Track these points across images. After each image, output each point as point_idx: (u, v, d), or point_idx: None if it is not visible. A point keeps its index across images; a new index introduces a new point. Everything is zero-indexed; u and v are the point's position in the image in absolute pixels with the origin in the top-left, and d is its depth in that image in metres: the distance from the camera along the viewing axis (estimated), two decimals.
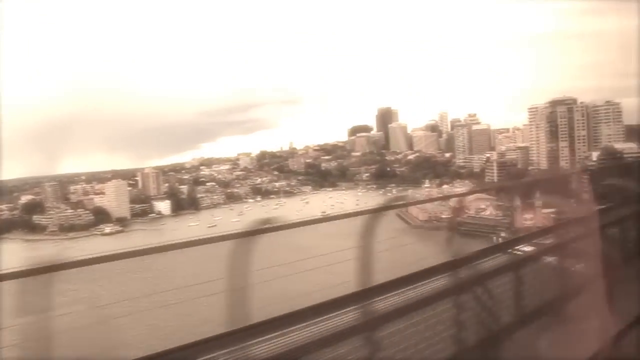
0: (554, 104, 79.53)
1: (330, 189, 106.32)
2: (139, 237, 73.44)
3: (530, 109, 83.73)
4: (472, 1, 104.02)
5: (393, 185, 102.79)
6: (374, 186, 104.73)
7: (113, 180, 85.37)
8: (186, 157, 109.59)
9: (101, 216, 79.60)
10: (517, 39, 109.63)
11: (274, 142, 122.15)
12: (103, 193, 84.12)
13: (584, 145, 76.95)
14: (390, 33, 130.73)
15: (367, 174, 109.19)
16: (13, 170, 78.09)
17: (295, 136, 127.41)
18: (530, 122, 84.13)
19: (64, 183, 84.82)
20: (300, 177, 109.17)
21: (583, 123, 77.30)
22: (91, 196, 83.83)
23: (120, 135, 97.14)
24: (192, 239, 4.58)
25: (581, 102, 78.53)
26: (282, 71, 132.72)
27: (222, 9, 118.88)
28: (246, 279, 4.61)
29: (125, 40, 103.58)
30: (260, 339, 4.60)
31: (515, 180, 75.38)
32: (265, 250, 4.96)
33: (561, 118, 78.10)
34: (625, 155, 68.48)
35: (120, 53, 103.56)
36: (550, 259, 7.66)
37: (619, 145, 72.06)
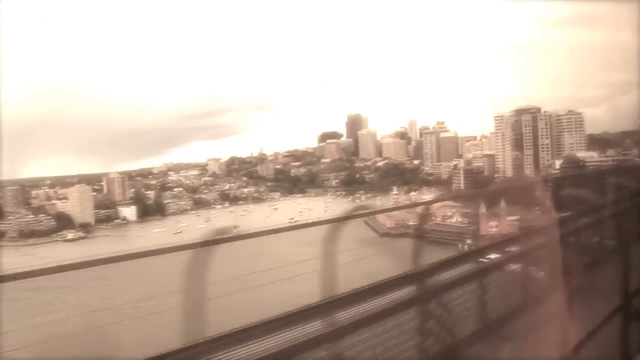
0: (519, 112, 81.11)
1: (300, 195, 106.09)
2: (102, 244, 72.05)
3: (496, 117, 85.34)
4: (445, 9, 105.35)
5: (362, 192, 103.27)
6: (343, 193, 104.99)
7: (77, 185, 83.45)
8: (156, 162, 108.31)
9: (63, 222, 77.65)
10: (488, 48, 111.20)
11: (245, 147, 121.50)
12: (66, 198, 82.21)
13: (547, 154, 78.57)
14: (361, 39, 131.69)
15: (336, 181, 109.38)
16: None
17: (266, 142, 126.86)
18: (496, 130, 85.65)
19: (26, 188, 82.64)
20: (269, 183, 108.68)
21: (547, 132, 78.98)
22: (54, 201, 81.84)
23: (90, 139, 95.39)
24: (153, 248, 4.37)
25: (545, 111, 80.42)
26: (253, 77, 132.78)
27: (192, 15, 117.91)
28: (203, 291, 4.49)
29: (96, 44, 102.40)
30: (223, 351, 4.41)
31: (480, 188, 76.62)
32: (224, 260, 4.84)
33: (526, 127, 79.69)
34: (586, 164, 70.14)
35: (90, 57, 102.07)
36: (514, 267, 7.68)
37: (581, 154, 73.83)
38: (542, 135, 79.06)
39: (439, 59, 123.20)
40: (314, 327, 4.93)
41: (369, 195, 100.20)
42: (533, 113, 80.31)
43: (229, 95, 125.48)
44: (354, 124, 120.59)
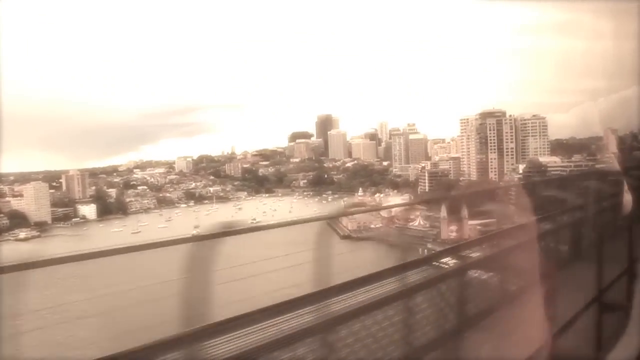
0: (484, 115, 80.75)
1: (266, 195, 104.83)
2: (56, 243, 69.80)
3: (462, 120, 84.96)
4: (422, 10, 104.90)
5: (329, 192, 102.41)
6: (311, 193, 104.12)
7: (32, 182, 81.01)
8: (125, 159, 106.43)
9: (17, 220, 75.04)
10: (463, 52, 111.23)
11: (215, 146, 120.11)
12: (22, 195, 79.75)
13: (512, 158, 78.35)
14: (335, 40, 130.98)
15: (304, 181, 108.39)
16: None
17: (237, 141, 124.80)
18: (462, 133, 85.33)
19: None
20: (236, 183, 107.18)
21: (512, 135, 78.74)
22: (8, 199, 79.31)
23: (58, 135, 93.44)
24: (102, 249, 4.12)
25: (510, 115, 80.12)
26: (225, 75, 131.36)
27: (165, 14, 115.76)
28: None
29: (67, 40, 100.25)
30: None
31: (444, 192, 76.17)
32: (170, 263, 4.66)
33: (490, 130, 79.33)
34: (549, 169, 70.10)
35: (61, 53, 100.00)
36: (477, 270, 7.58)
37: (544, 159, 73.76)
38: (507, 139, 78.79)
39: (414, 61, 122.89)
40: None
41: (336, 196, 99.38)
42: (498, 117, 79.93)
43: (200, 93, 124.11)
44: (325, 124, 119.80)
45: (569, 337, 7.38)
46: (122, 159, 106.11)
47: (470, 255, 7.72)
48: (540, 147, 77.81)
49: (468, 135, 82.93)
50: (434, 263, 7.15)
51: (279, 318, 5.06)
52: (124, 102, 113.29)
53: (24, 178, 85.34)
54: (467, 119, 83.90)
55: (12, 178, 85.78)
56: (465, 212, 69.16)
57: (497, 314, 7.07)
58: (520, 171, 72.68)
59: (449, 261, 7.39)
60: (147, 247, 4.32)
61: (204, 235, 4.85)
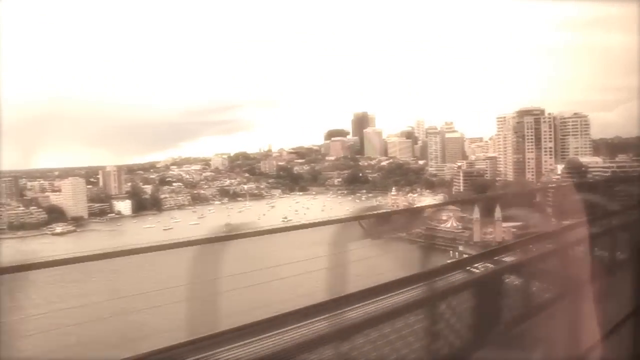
0: (521, 114, 77.88)
1: (300, 193, 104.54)
2: (90, 238, 71.37)
3: (499, 118, 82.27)
4: (459, 7, 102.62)
5: (364, 191, 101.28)
6: (345, 192, 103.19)
7: (70, 178, 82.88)
8: (164, 156, 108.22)
9: (55, 215, 76.95)
10: (502, 49, 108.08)
11: (253, 143, 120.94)
12: (60, 191, 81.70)
13: (550, 158, 75.28)
14: (372, 37, 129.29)
15: (339, 179, 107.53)
16: None
17: (274, 138, 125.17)
18: (499, 132, 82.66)
19: (22, 179, 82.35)
20: (270, 180, 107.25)
21: (550, 135, 75.62)
22: (47, 194, 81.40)
23: (100, 132, 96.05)
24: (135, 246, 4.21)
25: (549, 113, 76.97)
26: (263, 73, 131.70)
27: (205, 12, 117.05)
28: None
29: (110, 38, 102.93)
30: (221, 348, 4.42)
31: (479, 192, 74.00)
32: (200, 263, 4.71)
33: (528, 129, 76.42)
34: (589, 170, 67.10)
35: (104, 50, 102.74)
36: (510, 276, 7.45)
37: (585, 159, 70.56)
38: (545, 138, 75.73)
39: (452, 58, 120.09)
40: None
41: (370, 195, 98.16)
42: (536, 115, 76.85)
43: (239, 91, 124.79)
44: (361, 122, 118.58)
45: (607, 349, 6.96)
46: (161, 156, 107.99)
47: (504, 259, 7.51)
48: (581, 147, 74.39)
49: (505, 134, 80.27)
50: (462, 268, 7.00)
51: (297, 325, 4.96)
52: (166, 100, 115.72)
53: (67, 173, 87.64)
54: (504, 117, 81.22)
55: (56, 173, 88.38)
56: (499, 213, 67.22)
57: (530, 322, 6.91)
58: (559, 172, 69.62)
59: (479, 266, 7.21)
60: (166, 248, 4.34)
61: (229, 236, 4.93)
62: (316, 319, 5.10)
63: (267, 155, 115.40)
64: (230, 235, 5.05)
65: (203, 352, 4.32)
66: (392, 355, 5.51)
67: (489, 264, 7.38)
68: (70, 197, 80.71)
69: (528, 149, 76.25)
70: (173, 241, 4.53)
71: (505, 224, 68.58)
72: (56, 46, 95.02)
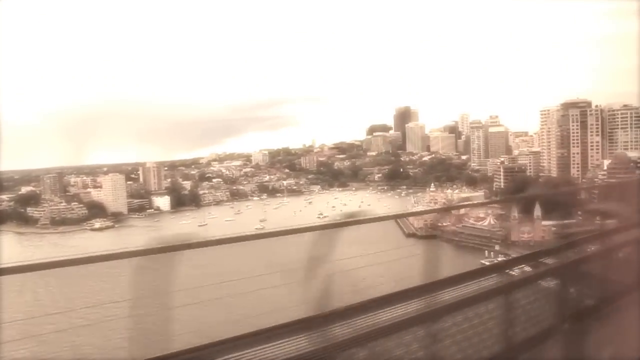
0: (567, 106, 73.72)
1: (340, 189, 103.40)
2: (125, 234, 72.49)
3: (542, 111, 78.29)
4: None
5: (404, 187, 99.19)
6: (385, 187, 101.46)
7: (110, 174, 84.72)
8: (209, 152, 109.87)
9: (95, 210, 78.76)
10: (548, 41, 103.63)
11: (297, 139, 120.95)
12: (102, 187, 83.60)
13: (597, 152, 71.00)
14: (418, 33, 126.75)
15: (379, 175, 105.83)
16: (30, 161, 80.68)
17: (318, 134, 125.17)
18: (542, 125, 78.79)
19: (64, 175, 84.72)
20: (310, 176, 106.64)
21: (597, 128, 71.26)
22: (89, 190, 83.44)
23: (150, 129, 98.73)
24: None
25: (596, 106, 72.44)
26: (309, 68, 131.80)
27: (250, 8, 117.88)
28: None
29: (161, 38, 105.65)
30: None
31: (518, 189, 70.72)
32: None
33: (573, 122, 72.25)
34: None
35: (155, 50, 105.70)
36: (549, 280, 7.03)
37: (634, 154, 66.09)
38: (591, 131, 71.44)
39: (499, 51, 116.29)
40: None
41: (410, 190, 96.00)
42: (582, 107, 72.59)
43: (285, 87, 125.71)
44: (403, 117, 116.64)
45: None
46: (206, 152, 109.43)
47: (544, 262, 7.12)
48: (631, 141, 69.72)
49: (549, 128, 76.41)
50: (491, 273, 6.60)
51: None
52: (213, 97, 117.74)
53: (116, 169, 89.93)
54: (548, 110, 77.25)
55: (105, 169, 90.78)
56: (538, 212, 64.08)
57: (574, 329, 6.59)
58: (605, 167, 65.40)
59: (512, 270, 6.78)
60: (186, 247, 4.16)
61: (262, 234, 4.79)
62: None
63: (308, 150, 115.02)
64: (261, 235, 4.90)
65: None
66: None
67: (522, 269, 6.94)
68: (110, 193, 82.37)
69: (573, 143, 72.16)
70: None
71: (545, 223, 65.45)
72: (107, 47, 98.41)
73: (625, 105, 70.60)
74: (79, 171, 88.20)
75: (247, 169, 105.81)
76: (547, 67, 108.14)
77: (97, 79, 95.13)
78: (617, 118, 71.23)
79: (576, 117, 72.08)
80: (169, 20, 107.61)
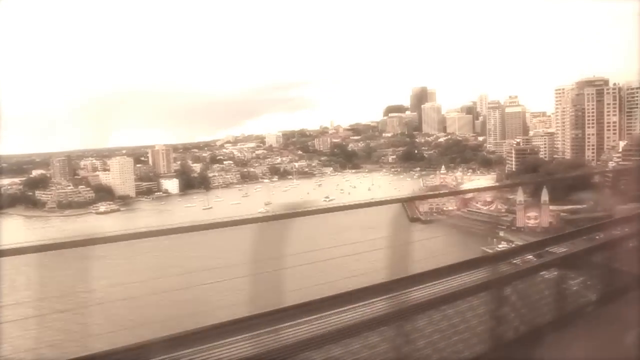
0: (582, 85, 70.07)
1: (353, 170, 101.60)
2: (129, 217, 72.50)
3: (557, 90, 74.69)
4: None
5: (418, 169, 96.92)
6: (399, 169, 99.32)
7: (118, 157, 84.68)
8: (226, 134, 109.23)
9: (102, 194, 78.80)
10: (567, 16, 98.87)
11: (315, 120, 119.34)
12: (110, 170, 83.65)
13: (614, 134, 67.46)
14: (437, 12, 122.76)
15: (393, 157, 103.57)
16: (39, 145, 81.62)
17: (335, 115, 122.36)
18: (557, 105, 75.32)
19: (73, 159, 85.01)
20: (323, 158, 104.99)
21: (615, 107, 67.58)
22: (97, 173, 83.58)
23: (169, 111, 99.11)
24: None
25: (614, 84, 68.62)
26: (327, 49, 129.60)
27: None
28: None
29: (177, 20, 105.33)
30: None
31: (529, 172, 68.00)
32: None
33: (589, 101, 68.66)
34: None
35: (172, 33, 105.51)
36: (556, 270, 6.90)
37: None
38: (608, 111, 67.79)
39: (516, 28, 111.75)
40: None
41: (423, 172, 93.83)
42: (598, 86, 68.84)
43: (303, 68, 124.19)
44: (420, 97, 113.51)
45: None
46: (224, 134, 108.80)
47: (543, 253, 7.00)
48: None
49: (563, 108, 72.96)
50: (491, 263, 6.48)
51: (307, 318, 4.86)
52: (231, 79, 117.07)
53: (131, 153, 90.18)
54: (563, 90, 73.68)
55: (124, 152, 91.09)
56: (546, 196, 61.44)
57: (582, 321, 6.60)
58: (620, 149, 62.11)
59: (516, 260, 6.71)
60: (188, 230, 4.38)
61: (268, 217, 4.83)
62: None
63: (323, 132, 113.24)
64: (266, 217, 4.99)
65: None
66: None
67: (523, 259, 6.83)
68: (118, 176, 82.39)
69: (588, 123, 68.70)
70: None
71: (553, 207, 62.88)
72: (125, 29, 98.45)
73: None
74: (97, 154, 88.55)
75: (260, 151, 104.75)
76: (567, 44, 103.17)
77: (115, 63, 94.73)
78: (637, 96, 67.45)
79: (592, 96, 68.52)
80: (187, 3, 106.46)
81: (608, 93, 68.08)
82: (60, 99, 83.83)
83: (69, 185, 78.80)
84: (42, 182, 79.00)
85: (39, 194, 77.32)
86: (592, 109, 68.31)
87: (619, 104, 67.41)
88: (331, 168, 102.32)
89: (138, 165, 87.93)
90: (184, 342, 4.22)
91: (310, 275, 6.25)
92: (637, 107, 67.09)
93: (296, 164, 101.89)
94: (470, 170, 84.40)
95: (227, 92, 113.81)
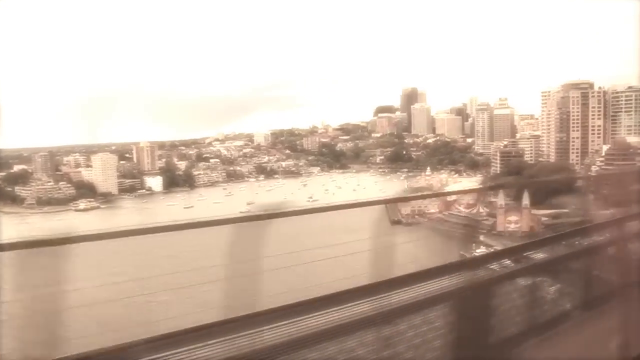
0: (567, 88, 69.42)
1: (340, 171, 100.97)
2: (108, 215, 71.67)
3: (543, 93, 74.09)
4: None
5: (405, 170, 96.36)
6: (386, 170, 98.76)
7: (100, 153, 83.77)
8: (217, 132, 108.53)
9: (83, 190, 77.83)
10: (557, 20, 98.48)
11: (306, 120, 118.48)
12: (92, 166, 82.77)
13: (599, 137, 66.82)
14: (429, 13, 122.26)
15: (381, 157, 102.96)
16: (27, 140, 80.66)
17: (326, 115, 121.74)
18: (542, 108, 74.64)
19: (56, 154, 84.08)
20: (310, 157, 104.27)
21: (599, 111, 66.95)
22: (80, 169, 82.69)
23: (161, 108, 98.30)
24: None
25: (599, 87, 67.97)
26: (319, 48, 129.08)
27: None
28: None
29: (164, 15, 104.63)
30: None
31: (511, 175, 67.44)
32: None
33: (574, 104, 68.01)
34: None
35: (164, 31, 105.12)
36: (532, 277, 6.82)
37: (636, 139, 61.90)
38: (593, 115, 67.16)
39: (507, 31, 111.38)
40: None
41: (410, 174, 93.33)
42: (584, 89, 68.23)
43: (294, 67, 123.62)
44: (410, 98, 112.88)
45: None
46: (214, 132, 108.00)
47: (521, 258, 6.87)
48: (636, 125, 65.38)
49: (549, 111, 72.32)
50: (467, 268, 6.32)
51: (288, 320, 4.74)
52: (222, 77, 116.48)
53: (123, 149, 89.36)
54: (549, 92, 73.07)
55: (114, 148, 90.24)
56: (527, 200, 60.82)
57: (563, 329, 6.50)
58: (603, 153, 61.50)
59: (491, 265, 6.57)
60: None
61: (247, 217, 4.90)
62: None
63: (312, 132, 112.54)
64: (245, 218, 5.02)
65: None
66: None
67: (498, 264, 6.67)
68: (100, 172, 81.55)
69: (573, 127, 68.06)
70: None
71: (535, 212, 62.37)
72: (115, 27, 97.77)
73: (630, 87, 66.07)
74: (87, 150, 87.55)
75: (247, 150, 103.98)
76: (558, 48, 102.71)
77: (107, 60, 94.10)
78: (621, 100, 66.84)
79: (577, 99, 67.90)
80: (178, 1, 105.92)
81: (593, 96, 67.54)
82: (52, 94, 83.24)
83: (50, 182, 77.86)
84: (22, 178, 77.91)
85: (19, 190, 76.36)
86: (577, 112, 67.74)
87: (604, 108, 66.83)
88: (318, 168, 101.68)
89: (122, 162, 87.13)
90: (157, 345, 4.09)
91: (284, 279, 6.12)
92: (622, 111, 66.48)
93: (283, 163, 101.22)
94: (457, 173, 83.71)
95: (219, 90, 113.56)
